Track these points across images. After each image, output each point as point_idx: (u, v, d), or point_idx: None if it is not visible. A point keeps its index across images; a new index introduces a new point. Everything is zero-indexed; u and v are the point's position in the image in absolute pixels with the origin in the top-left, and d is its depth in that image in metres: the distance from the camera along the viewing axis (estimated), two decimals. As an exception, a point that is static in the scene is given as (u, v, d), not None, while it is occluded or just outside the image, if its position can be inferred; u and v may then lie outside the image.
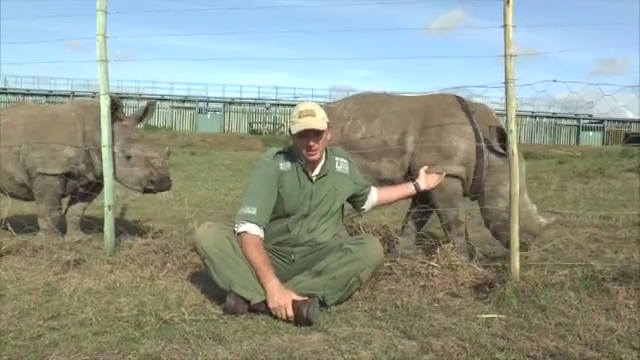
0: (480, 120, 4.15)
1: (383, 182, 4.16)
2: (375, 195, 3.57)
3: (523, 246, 4.05)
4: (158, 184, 4.50)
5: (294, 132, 3.06)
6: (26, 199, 4.99)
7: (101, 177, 4.39)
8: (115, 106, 4.38)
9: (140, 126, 4.79)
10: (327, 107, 4.57)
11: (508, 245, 3.91)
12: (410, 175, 4.14)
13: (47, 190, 4.63)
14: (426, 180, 3.70)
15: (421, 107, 4.30)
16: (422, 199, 4.25)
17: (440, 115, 4.18)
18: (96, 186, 4.71)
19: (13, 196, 5.01)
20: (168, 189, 4.64)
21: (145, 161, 4.47)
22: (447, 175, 3.99)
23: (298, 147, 3.12)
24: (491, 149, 4.05)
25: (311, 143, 3.05)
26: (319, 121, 3.06)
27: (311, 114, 3.05)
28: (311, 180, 3.17)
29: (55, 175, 4.60)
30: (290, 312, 2.81)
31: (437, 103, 4.29)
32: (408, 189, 3.71)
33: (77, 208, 4.93)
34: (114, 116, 4.38)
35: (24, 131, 4.67)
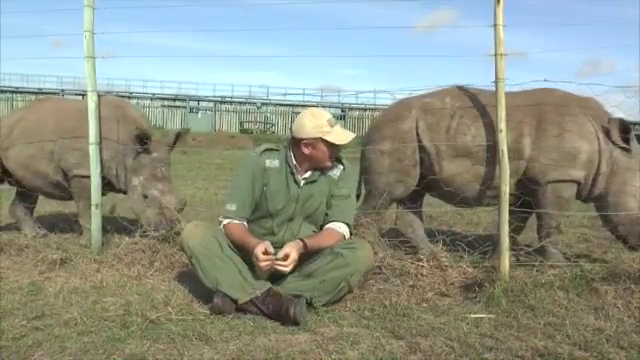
0: (596, 116, 3.95)
1: (493, 189, 3.87)
2: (331, 230, 3.13)
3: None
4: (163, 233, 4.13)
5: (334, 141, 3.04)
6: (62, 198, 4.86)
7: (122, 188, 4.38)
8: (145, 139, 4.24)
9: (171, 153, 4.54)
10: (423, 101, 4.22)
11: (635, 247, 3.76)
12: (522, 181, 3.94)
13: (84, 192, 4.38)
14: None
15: (532, 105, 4.00)
16: (524, 202, 3.94)
17: (557, 114, 3.93)
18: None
19: (47, 195, 4.94)
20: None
21: (159, 207, 4.25)
22: (567, 180, 3.85)
23: (321, 155, 3.08)
24: (615, 145, 3.87)
25: (335, 153, 3.12)
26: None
27: (338, 123, 3.11)
28: (298, 184, 3.14)
29: (88, 177, 4.33)
30: (268, 247, 2.85)
31: (549, 100, 4.01)
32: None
33: None
34: (143, 148, 4.25)
35: (56, 129, 4.53)
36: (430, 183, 4.13)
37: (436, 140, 4.03)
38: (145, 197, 4.28)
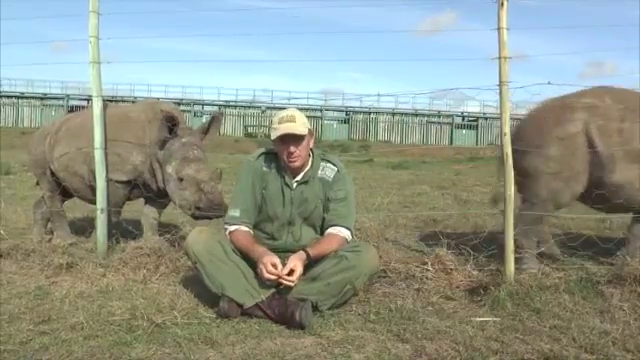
0: None
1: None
2: (332, 236, 3.12)
3: None
4: (206, 211, 3.99)
5: (273, 138, 3.05)
6: (92, 202, 4.63)
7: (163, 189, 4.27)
8: (174, 122, 4.12)
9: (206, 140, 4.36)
10: (583, 101, 3.96)
11: None
12: None
13: (109, 195, 4.27)
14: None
15: None
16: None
17: None
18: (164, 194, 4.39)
19: (82, 198, 4.94)
20: (221, 216, 3.90)
21: (196, 185, 4.03)
22: None
23: (279, 153, 3.11)
24: None
25: (292, 149, 3.02)
26: (299, 126, 3.01)
27: (291, 119, 3.02)
28: (290, 187, 3.16)
29: (119, 182, 4.38)
30: (276, 262, 2.85)
31: None
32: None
33: (152, 211, 4.62)
34: (172, 133, 4.14)
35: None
36: (591, 191, 3.89)
37: (610, 144, 3.77)
38: (181, 180, 4.09)
